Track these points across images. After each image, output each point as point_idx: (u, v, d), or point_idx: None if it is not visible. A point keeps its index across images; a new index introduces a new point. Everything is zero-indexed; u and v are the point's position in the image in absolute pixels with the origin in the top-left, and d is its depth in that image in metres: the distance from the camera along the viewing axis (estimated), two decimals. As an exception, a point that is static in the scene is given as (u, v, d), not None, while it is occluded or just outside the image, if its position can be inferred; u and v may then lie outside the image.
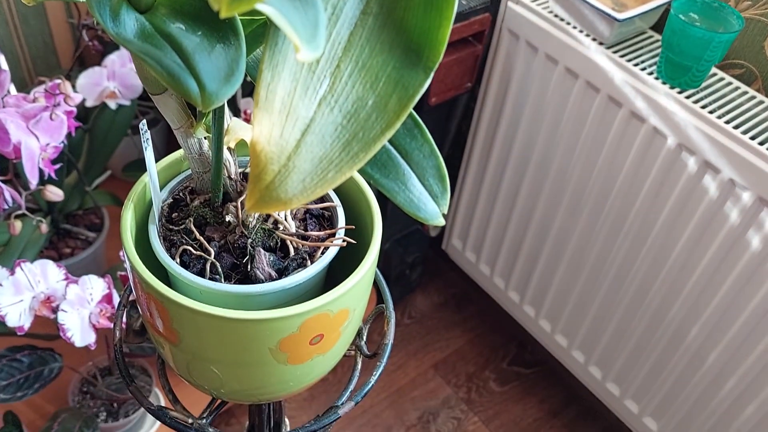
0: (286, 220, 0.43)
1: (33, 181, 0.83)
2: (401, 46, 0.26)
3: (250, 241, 0.41)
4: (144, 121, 0.41)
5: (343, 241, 0.41)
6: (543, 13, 0.93)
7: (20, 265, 0.78)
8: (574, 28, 0.91)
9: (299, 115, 0.24)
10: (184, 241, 0.41)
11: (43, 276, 0.80)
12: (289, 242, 0.42)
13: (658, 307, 0.96)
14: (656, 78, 0.85)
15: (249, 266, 0.41)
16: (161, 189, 0.44)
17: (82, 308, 0.79)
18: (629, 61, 0.86)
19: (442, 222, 0.32)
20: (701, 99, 0.83)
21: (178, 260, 0.40)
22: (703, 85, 0.84)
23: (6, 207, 0.84)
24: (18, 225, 0.84)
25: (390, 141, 0.31)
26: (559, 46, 0.91)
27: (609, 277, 1.02)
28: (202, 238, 0.41)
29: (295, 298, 0.41)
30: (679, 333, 0.95)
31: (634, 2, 0.89)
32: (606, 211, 0.97)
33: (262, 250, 0.41)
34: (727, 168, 0.79)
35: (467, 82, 1.08)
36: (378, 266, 1.51)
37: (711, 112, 0.81)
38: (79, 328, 0.79)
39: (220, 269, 0.40)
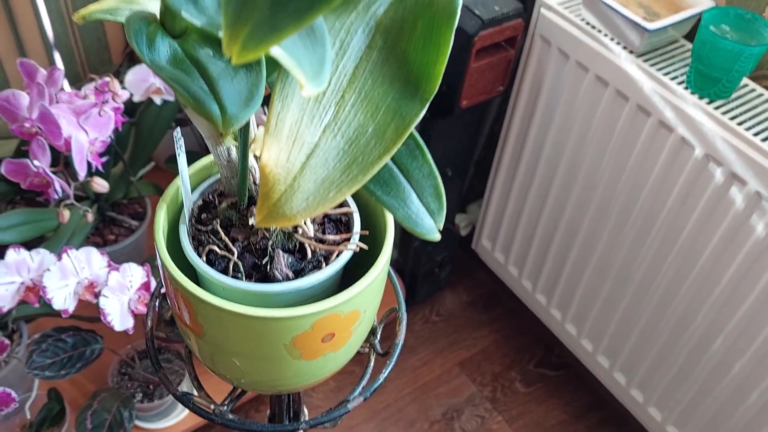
0: (305, 224, 0.46)
1: (81, 172, 0.88)
2: (401, 78, 0.28)
3: (270, 242, 0.44)
4: (178, 129, 0.44)
5: (357, 246, 0.44)
6: (575, 21, 0.94)
7: (67, 252, 0.83)
8: (606, 36, 0.91)
9: (305, 141, 0.27)
10: (211, 240, 0.45)
11: (88, 262, 0.85)
12: (307, 245, 0.45)
13: (683, 315, 0.97)
14: (686, 88, 0.85)
15: (269, 266, 0.44)
16: (193, 191, 0.48)
17: (122, 294, 0.84)
18: (659, 70, 0.87)
19: (437, 237, 0.34)
20: (731, 110, 0.83)
21: (204, 258, 0.44)
22: (734, 96, 0.84)
23: (56, 196, 0.90)
24: (66, 214, 0.90)
25: (393, 160, 0.34)
26: (590, 53, 0.92)
27: (634, 283, 1.02)
28: (227, 239, 0.44)
29: (311, 297, 0.44)
30: (704, 341, 0.95)
31: (667, 11, 0.89)
32: (633, 219, 0.98)
33: (281, 252, 0.44)
34: (753, 180, 0.79)
35: (499, 85, 1.09)
36: (407, 264, 1.53)
37: (740, 124, 0.81)
38: (118, 313, 0.84)
39: (241, 268, 0.43)
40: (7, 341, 0.94)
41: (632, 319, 1.05)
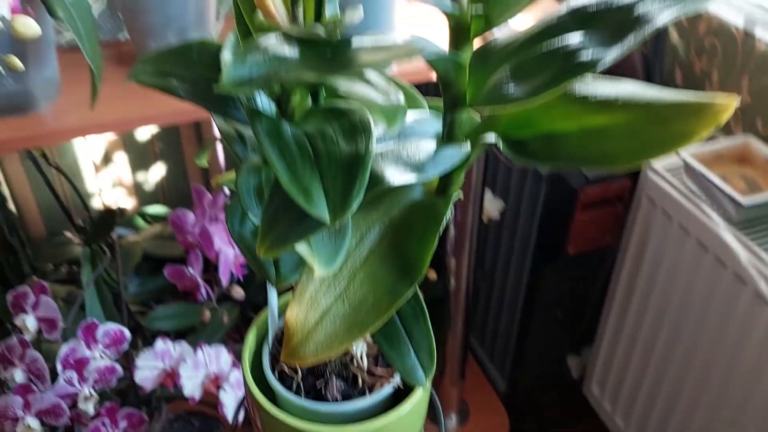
0: (361, 358, 0.55)
1: (224, 281, 1.06)
2: (400, 264, 0.39)
3: (329, 369, 0.55)
4: (273, 269, 0.57)
5: (397, 384, 0.53)
6: (678, 186, 0.98)
7: (201, 348, 0.99)
8: (706, 203, 0.94)
9: (320, 305, 0.38)
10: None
11: (216, 359, 1.00)
12: (358, 375, 0.55)
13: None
14: (784, 263, 0.85)
15: (324, 388, 0.54)
16: (280, 317, 0.60)
17: (239, 391, 0.98)
18: (756, 240, 0.88)
19: (427, 387, 0.42)
20: (831, 290, 0.81)
21: (277, 374, 0.55)
22: (838, 275, 0.83)
23: (203, 299, 1.08)
24: (207, 314, 1.07)
25: (400, 320, 0.43)
26: (691, 218, 0.95)
27: (738, 456, 0.97)
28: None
29: (359, 416, 0.53)
30: None
31: (770, 185, 0.91)
32: (734, 385, 0.95)
33: (334, 378, 0.54)
34: None
35: (608, 237, 1.14)
36: (517, 401, 1.58)
37: (840, 305, 0.79)
38: (233, 406, 0.97)
39: (302, 387, 0.54)
40: (146, 417, 1.11)
41: (737, 495, 0.99)
